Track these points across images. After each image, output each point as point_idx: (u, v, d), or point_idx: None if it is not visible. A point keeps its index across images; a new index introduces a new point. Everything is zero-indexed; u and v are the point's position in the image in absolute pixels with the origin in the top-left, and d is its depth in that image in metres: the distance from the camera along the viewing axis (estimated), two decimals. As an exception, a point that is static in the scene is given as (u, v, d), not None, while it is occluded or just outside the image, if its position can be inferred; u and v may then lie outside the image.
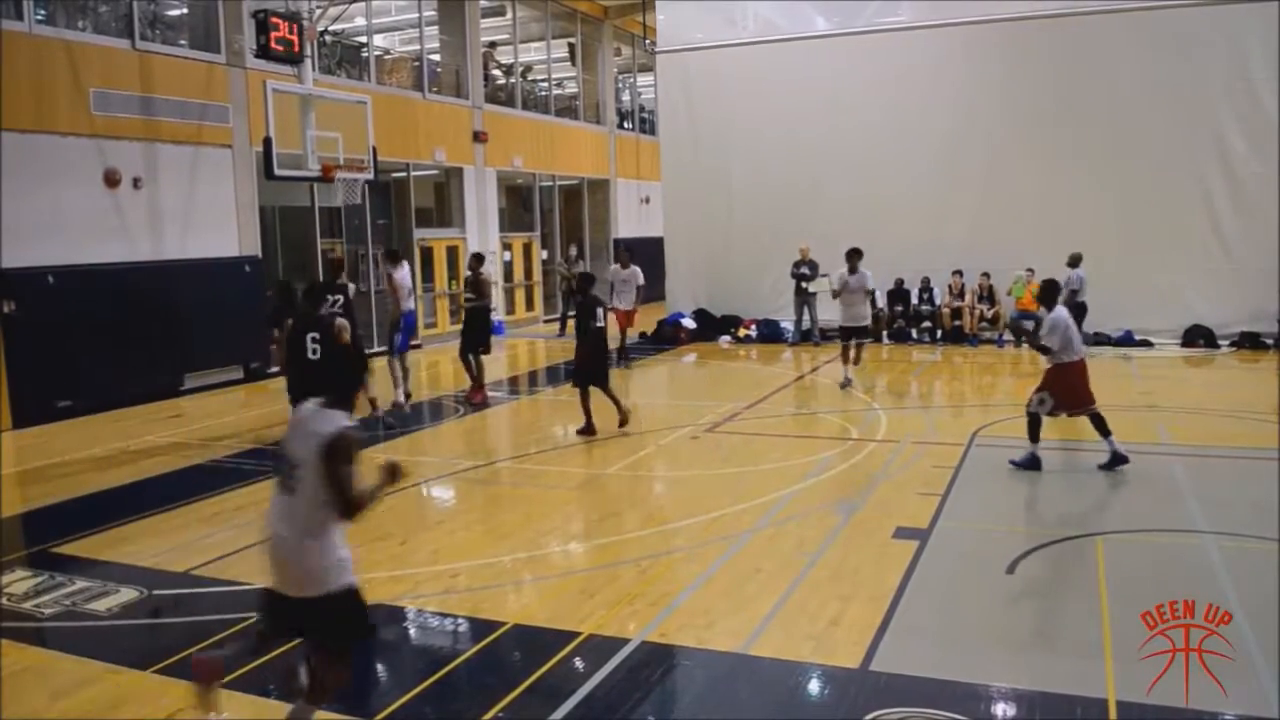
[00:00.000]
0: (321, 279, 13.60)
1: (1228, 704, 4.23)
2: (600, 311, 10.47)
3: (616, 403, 10.47)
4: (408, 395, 12.17)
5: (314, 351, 7.14)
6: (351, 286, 11.25)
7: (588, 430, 10.34)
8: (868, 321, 13.15)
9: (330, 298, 10.19)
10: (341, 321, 7.36)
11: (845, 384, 12.78)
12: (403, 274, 12.30)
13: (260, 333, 10.51)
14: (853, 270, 12.73)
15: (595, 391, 10.38)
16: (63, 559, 6.83)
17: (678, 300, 19.80)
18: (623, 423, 10.41)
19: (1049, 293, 8.69)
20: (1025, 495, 8.14)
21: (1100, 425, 8.38)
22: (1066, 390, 8.38)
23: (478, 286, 12.56)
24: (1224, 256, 15.89)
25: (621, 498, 8.34)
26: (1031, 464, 8.42)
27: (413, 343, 12.67)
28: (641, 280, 15.70)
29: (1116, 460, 8.33)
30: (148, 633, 5.69)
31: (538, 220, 23.56)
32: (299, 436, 3.91)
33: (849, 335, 12.91)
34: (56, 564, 6.70)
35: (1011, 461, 8.51)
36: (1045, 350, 8.37)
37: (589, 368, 10.44)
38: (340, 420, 3.87)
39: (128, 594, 6.09)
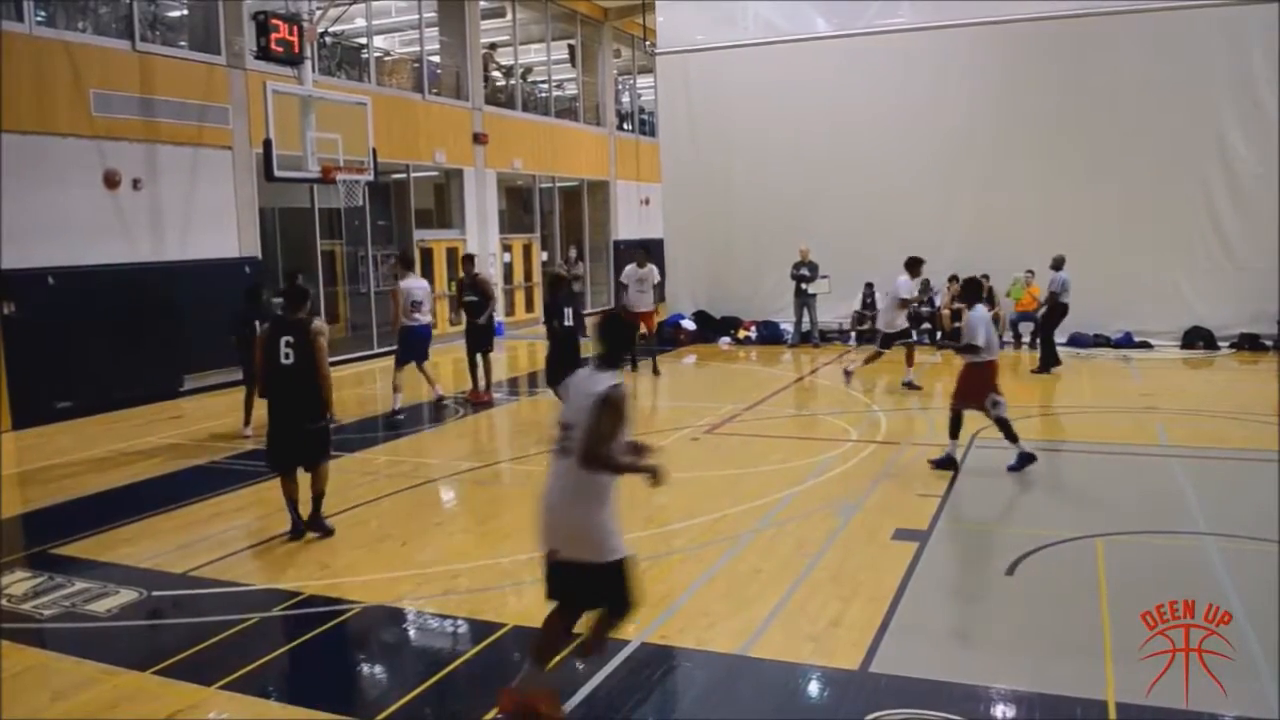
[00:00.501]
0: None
1: (1228, 705, 4.22)
2: (567, 312, 10.72)
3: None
4: (441, 397, 12.14)
5: (287, 356, 6.88)
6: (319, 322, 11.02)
7: None
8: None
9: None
10: (319, 324, 7.07)
11: (848, 377, 13.11)
12: (408, 284, 11.73)
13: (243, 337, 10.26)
14: (914, 277, 12.82)
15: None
16: (62, 560, 6.82)
17: (678, 301, 19.80)
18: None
19: (972, 291, 8.85)
20: (1025, 496, 8.14)
21: (957, 427, 8.60)
22: (980, 386, 8.48)
23: (478, 287, 12.55)
24: (1224, 257, 15.89)
25: (621, 499, 8.29)
26: (1025, 462, 8.44)
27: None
28: (658, 278, 15.53)
29: (949, 463, 8.52)
30: (147, 634, 5.69)
31: (538, 222, 23.58)
32: (574, 400, 4.15)
33: (890, 342, 12.90)
34: (56, 565, 6.69)
35: (1009, 467, 8.52)
36: (974, 350, 8.38)
37: (555, 366, 10.71)
38: (612, 379, 4.11)
39: (127, 595, 6.09)
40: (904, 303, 12.81)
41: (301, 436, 6.96)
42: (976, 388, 8.49)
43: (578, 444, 4.02)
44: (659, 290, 15.71)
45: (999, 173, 16.72)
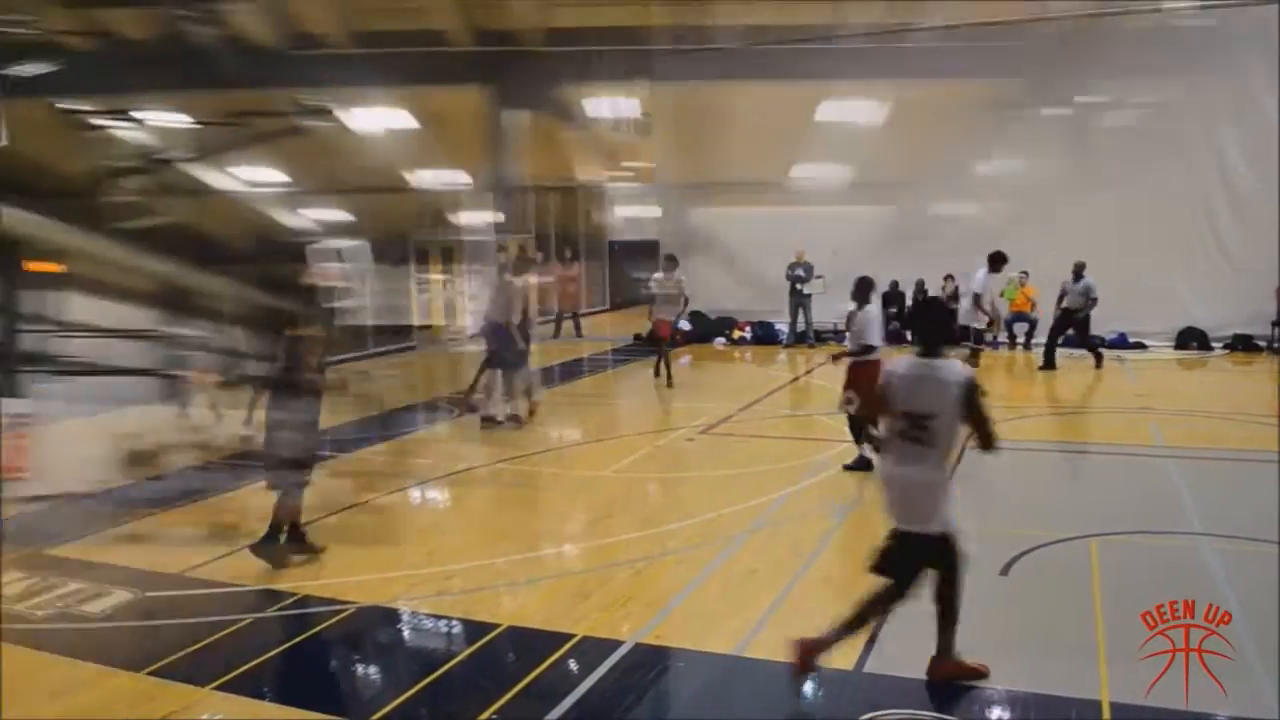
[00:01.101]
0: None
1: (1226, 705, 4.23)
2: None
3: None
4: (513, 416, 11.25)
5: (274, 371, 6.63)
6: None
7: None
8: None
9: None
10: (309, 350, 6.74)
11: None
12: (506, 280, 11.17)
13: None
14: (995, 273, 12.52)
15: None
16: (57, 561, 6.78)
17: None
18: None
19: (864, 290, 8.73)
20: (1019, 497, 8.14)
21: (859, 429, 8.52)
22: (868, 382, 8.41)
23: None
24: (1220, 258, 15.92)
25: (616, 500, 8.33)
26: (861, 466, 8.40)
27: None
28: (682, 288, 13.75)
29: (862, 464, 8.42)
30: (142, 635, 5.67)
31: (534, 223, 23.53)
32: (923, 390, 4.40)
33: (980, 338, 12.62)
34: (51, 565, 6.66)
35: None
36: (872, 350, 8.33)
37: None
38: (961, 366, 4.44)
39: (121, 596, 6.07)
40: (976, 298, 12.47)
41: (279, 461, 6.48)
42: (869, 385, 8.48)
43: (982, 435, 4.37)
44: (682, 300, 14.02)
45: (996, 173, 16.72)
